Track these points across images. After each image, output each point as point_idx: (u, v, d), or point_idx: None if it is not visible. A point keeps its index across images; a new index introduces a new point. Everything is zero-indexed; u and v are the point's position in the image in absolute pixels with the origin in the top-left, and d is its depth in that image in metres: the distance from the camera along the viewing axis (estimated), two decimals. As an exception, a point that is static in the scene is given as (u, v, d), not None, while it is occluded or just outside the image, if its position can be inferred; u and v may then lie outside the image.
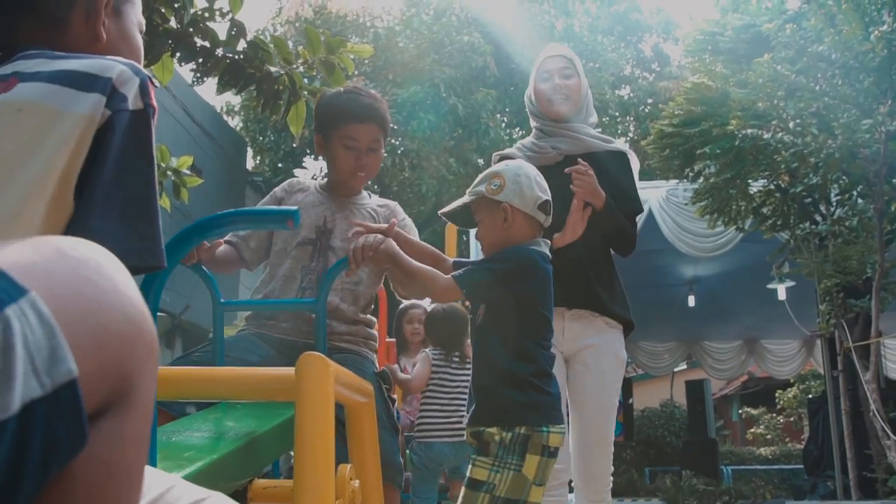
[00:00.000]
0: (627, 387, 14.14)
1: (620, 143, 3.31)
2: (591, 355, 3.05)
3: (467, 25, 15.49)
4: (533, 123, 3.39)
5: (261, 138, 17.10)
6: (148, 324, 0.77)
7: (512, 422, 2.16)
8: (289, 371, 1.29)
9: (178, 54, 3.36)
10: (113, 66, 1.09)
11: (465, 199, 2.42)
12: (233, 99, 17.50)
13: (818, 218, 8.46)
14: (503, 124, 16.77)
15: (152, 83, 1.11)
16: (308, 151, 16.91)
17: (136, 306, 0.76)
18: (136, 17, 1.35)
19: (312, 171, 18.57)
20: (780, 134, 7.33)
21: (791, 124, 7.30)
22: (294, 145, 15.50)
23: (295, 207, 1.91)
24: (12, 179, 0.99)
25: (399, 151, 14.48)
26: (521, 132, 16.90)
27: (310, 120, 3.46)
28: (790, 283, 10.22)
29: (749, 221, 9.05)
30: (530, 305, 2.27)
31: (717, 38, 8.65)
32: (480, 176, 2.43)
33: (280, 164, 16.83)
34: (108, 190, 1.04)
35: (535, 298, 2.28)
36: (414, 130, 14.32)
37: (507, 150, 3.36)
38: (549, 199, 2.38)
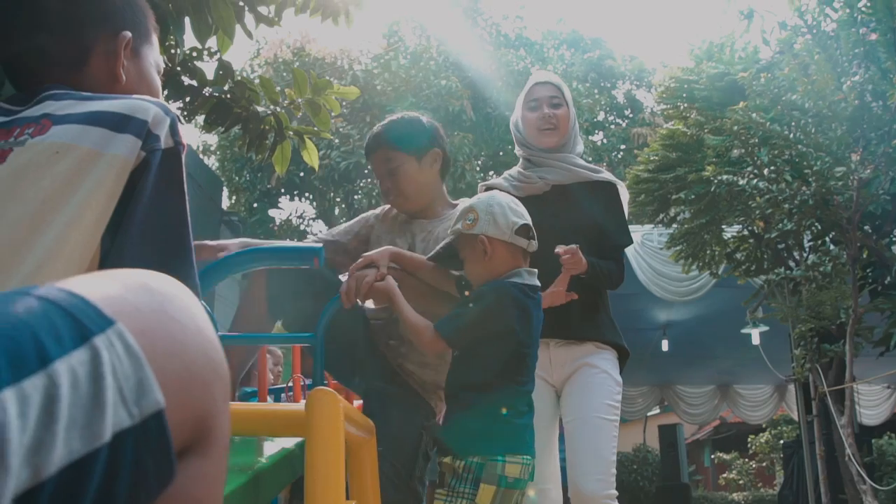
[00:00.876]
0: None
1: (609, 174, 3.28)
2: (579, 375, 2.97)
3: (445, 70, 15.62)
4: (519, 152, 3.33)
5: (237, 178, 17.07)
6: (225, 367, 0.78)
7: (464, 451, 2.13)
8: (298, 407, 1.29)
9: (165, 92, 3.37)
10: (146, 107, 1.12)
11: (447, 239, 2.41)
12: (209, 138, 17.49)
13: (791, 263, 8.55)
14: (478, 168, 16.85)
15: (180, 120, 1.15)
16: (283, 191, 16.90)
17: (216, 349, 0.77)
18: (153, 57, 1.39)
19: (288, 210, 18.58)
20: (754, 180, 7.42)
21: (766, 171, 7.41)
22: (270, 185, 15.47)
23: (319, 245, 1.94)
24: (52, 219, 1.01)
25: (375, 192, 14.49)
26: (494, 176, 16.98)
27: (296, 159, 3.48)
28: (764, 328, 10.30)
29: (723, 266, 9.14)
30: (508, 341, 2.22)
31: (692, 86, 8.78)
32: (458, 214, 2.41)
33: (256, 204, 16.79)
34: (144, 229, 1.06)
35: (513, 332, 2.22)
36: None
37: (493, 181, 3.34)
38: (528, 222, 2.34)
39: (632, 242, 3.23)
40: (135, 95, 1.17)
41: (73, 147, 1.05)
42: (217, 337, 0.79)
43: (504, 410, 2.18)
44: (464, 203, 2.48)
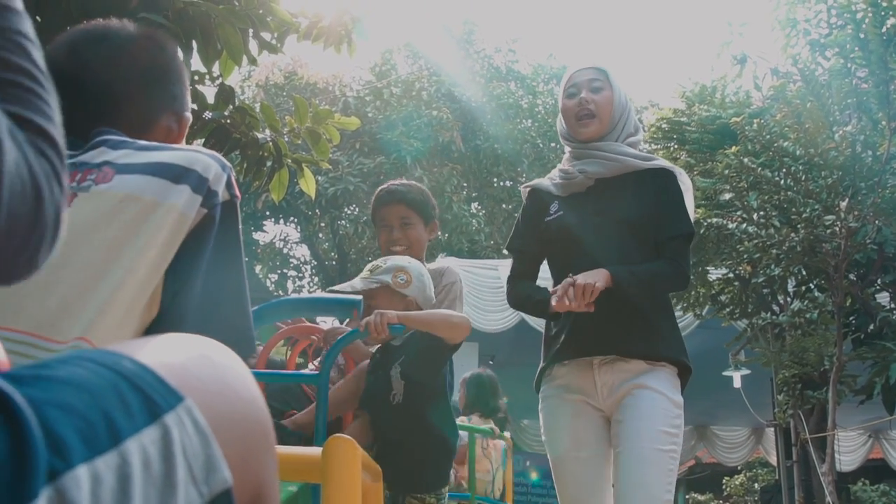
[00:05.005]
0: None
1: (664, 161, 2.80)
2: (631, 398, 2.51)
3: (437, 100, 15.68)
4: (564, 145, 2.92)
5: (222, 199, 17.01)
6: (273, 435, 0.78)
7: None
8: (314, 452, 1.26)
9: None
10: (206, 162, 1.18)
11: (366, 284, 2.58)
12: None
13: (776, 308, 8.58)
14: (465, 199, 16.91)
15: (233, 173, 1.22)
16: (268, 214, 16.86)
17: (268, 418, 0.78)
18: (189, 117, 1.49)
19: (272, 234, 18.51)
20: (743, 224, 7.46)
21: (755, 216, 7.45)
22: (258, 206, 15.43)
23: (359, 298, 2.09)
24: (114, 265, 1.06)
25: (362, 220, 14.49)
26: (481, 209, 17.04)
27: (291, 187, 3.48)
28: (746, 372, 10.32)
29: (707, 308, 9.17)
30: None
31: (684, 128, 8.85)
32: (381, 265, 2.64)
33: (240, 226, 16.74)
34: (207, 286, 1.12)
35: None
36: (378, 200, 14.33)
37: (536, 180, 2.94)
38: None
39: (691, 231, 2.67)
40: (191, 147, 1.23)
41: (136, 198, 1.11)
42: (266, 405, 0.79)
43: None
44: (397, 260, 2.72)
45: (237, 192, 1.20)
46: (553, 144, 16.68)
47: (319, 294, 3.04)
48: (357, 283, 2.58)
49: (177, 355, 0.71)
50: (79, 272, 1.04)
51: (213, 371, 0.73)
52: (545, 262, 2.86)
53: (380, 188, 3.38)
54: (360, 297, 2.08)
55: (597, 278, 2.42)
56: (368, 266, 2.69)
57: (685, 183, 2.74)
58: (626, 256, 2.57)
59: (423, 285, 2.63)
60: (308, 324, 3.08)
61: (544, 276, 2.83)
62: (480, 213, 16.75)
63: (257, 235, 17.32)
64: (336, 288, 2.64)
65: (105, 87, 1.30)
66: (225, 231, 1.17)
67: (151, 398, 0.63)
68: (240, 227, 1.20)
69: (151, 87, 1.35)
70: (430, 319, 2.49)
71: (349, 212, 15.39)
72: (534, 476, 8.99)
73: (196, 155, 1.18)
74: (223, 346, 0.80)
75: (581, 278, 2.41)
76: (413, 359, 2.55)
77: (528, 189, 2.91)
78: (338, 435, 1.20)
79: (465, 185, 16.54)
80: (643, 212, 2.62)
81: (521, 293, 2.78)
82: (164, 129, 1.36)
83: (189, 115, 1.44)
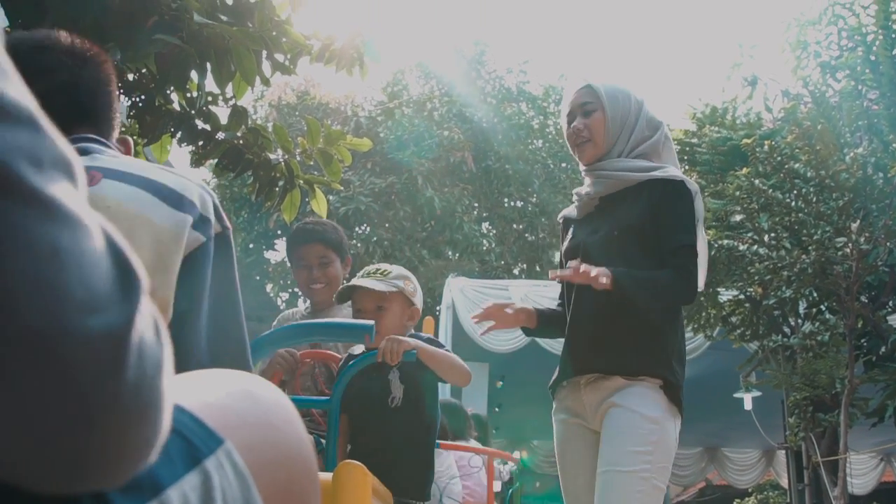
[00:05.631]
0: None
1: (672, 170, 2.70)
2: (605, 420, 2.49)
3: (448, 120, 15.72)
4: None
5: (234, 217, 17.10)
6: (318, 477, 0.77)
7: None
8: (325, 477, 1.26)
9: (178, 135, 3.37)
10: (193, 189, 1.17)
11: (387, 286, 2.63)
12: (206, 174, 17.55)
13: (786, 329, 8.55)
14: (476, 219, 16.93)
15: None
16: (280, 233, 16.90)
17: (312, 456, 0.76)
18: None
19: (283, 252, 18.54)
20: (754, 246, 7.44)
21: (766, 237, 7.43)
22: (269, 225, 15.47)
23: (371, 322, 2.05)
24: None
25: (373, 240, 14.51)
26: (491, 229, 17.05)
27: (303, 207, 3.52)
28: (756, 394, 10.26)
29: (717, 330, 9.13)
30: None
31: (694, 149, 8.84)
32: (390, 270, 2.71)
33: (251, 245, 16.78)
34: (210, 312, 1.11)
35: None
36: (389, 220, 14.40)
37: (566, 210, 2.97)
38: None
39: (692, 242, 2.59)
40: (179, 172, 1.22)
41: (124, 208, 1.08)
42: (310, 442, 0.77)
43: None
44: (402, 269, 2.82)
45: (228, 224, 1.19)
46: (564, 165, 16.70)
47: (336, 320, 3.01)
48: (376, 284, 2.61)
49: (218, 393, 0.70)
50: None
51: (256, 409, 0.71)
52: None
53: (296, 226, 3.59)
54: (372, 322, 2.07)
55: (599, 271, 2.39)
56: (371, 269, 2.73)
57: (693, 191, 2.66)
58: (631, 267, 2.52)
59: (420, 299, 2.74)
60: (324, 350, 3.04)
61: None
62: (491, 233, 16.77)
63: (268, 254, 17.37)
64: (358, 282, 2.66)
65: (88, 90, 1.29)
66: (223, 263, 1.16)
67: (192, 443, 0.62)
68: (234, 257, 1.19)
69: (112, 96, 1.33)
70: (440, 358, 2.52)
71: (360, 231, 15.42)
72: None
73: (186, 182, 1.17)
74: (267, 381, 0.78)
75: (584, 265, 2.42)
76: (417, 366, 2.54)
77: (561, 219, 2.96)
78: (349, 461, 1.20)
79: (475, 205, 16.56)
80: (642, 220, 2.58)
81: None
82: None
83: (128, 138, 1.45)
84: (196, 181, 1.19)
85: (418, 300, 2.72)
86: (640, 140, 2.74)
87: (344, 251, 3.40)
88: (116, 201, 1.07)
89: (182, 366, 1.02)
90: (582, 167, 2.83)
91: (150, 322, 0.48)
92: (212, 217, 1.15)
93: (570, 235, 2.81)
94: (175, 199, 1.12)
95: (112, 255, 0.47)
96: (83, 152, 1.15)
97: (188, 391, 0.68)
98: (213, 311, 1.11)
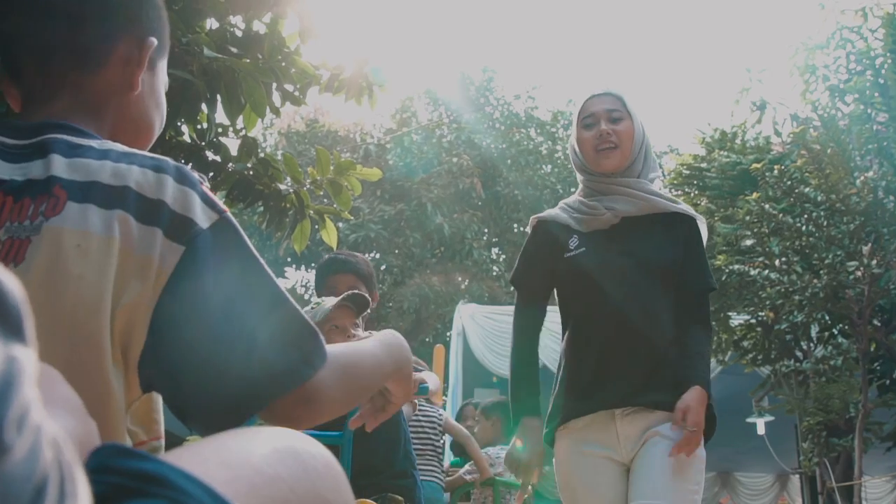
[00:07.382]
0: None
1: (687, 207, 2.66)
2: (645, 448, 2.37)
3: (456, 147, 15.77)
4: (579, 178, 2.74)
5: (244, 245, 17.10)
6: None
7: None
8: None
9: (189, 165, 3.38)
10: (166, 185, 0.94)
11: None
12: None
13: (798, 353, 8.51)
14: (485, 245, 16.94)
15: (202, 180, 0.99)
16: (289, 260, 16.94)
17: None
18: (164, 75, 1.27)
19: (293, 280, 18.57)
20: (765, 271, 7.42)
21: (777, 262, 7.41)
22: (279, 253, 15.51)
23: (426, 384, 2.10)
24: (89, 329, 0.88)
25: (382, 267, 14.52)
26: (501, 255, 17.05)
27: (313, 235, 3.53)
28: (769, 418, 10.20)
29: (729, 354, 9.09)
30: None
31: (704, 174, 8.84)
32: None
33: (244, 239, 16.81)
34: (231, 316, 0.94)
35: None
36: (398, 247, 14.42)
37: (548, 211, 2.74)
38: None
39: (716, 287, 2.60)
40: (159, 158, 0.98)
41: (90, 236, 0.89)
42: None
43: None
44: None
45: (223, 208, 0.97)
46: (573, 190, 16.67)
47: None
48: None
49: (270, 462, 0.66)
50: (53, 344, 0.85)
51: (306, 477, 0.67)
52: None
53: (328, 256, 3.61)
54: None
55: (701, 403, 2.32)
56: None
57: (703, 231, 2.64)
58: (650, 303, 2.46)
59: None
60: None
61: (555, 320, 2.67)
62: (501, 259, 16.77)
63: (280, 282, 17.35)
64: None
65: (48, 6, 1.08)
66: (227, 252, 0.96)
67: None
68: (244, 239, 0.98)
69: (103, 5, 1.12)
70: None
71: (369, 258, 15.45)
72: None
73: (159, 178, 0.95)
74: (315, 442, 0.73)
75: (694, 410, 2.30)
76: None
77: (540, 220, 2.71)
78: (363, 500, 1.20)
79: (485, 230, 16.57)
80: (673, 257, 2.51)
81: (522, 359, 2.63)
82: (121, 60, 1.12)
83: (155, 40, 1.17)
84: (171, 166, 0.96)
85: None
86: (651, 169, 2.67)
87: (373, 285, 3.42)
88: (84, 233, 0.89)
89: (239, 368, 0.90)
90: (590, 178, 2.67)
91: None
92: (195, 212, 0.94)
93: (574, 247, 2.59)
94: (148, 212, 0.91)
95: None
96: (41, 148, 0.96)
97: (226, 467, 0.63)
98: (239, 305, 0.94)
